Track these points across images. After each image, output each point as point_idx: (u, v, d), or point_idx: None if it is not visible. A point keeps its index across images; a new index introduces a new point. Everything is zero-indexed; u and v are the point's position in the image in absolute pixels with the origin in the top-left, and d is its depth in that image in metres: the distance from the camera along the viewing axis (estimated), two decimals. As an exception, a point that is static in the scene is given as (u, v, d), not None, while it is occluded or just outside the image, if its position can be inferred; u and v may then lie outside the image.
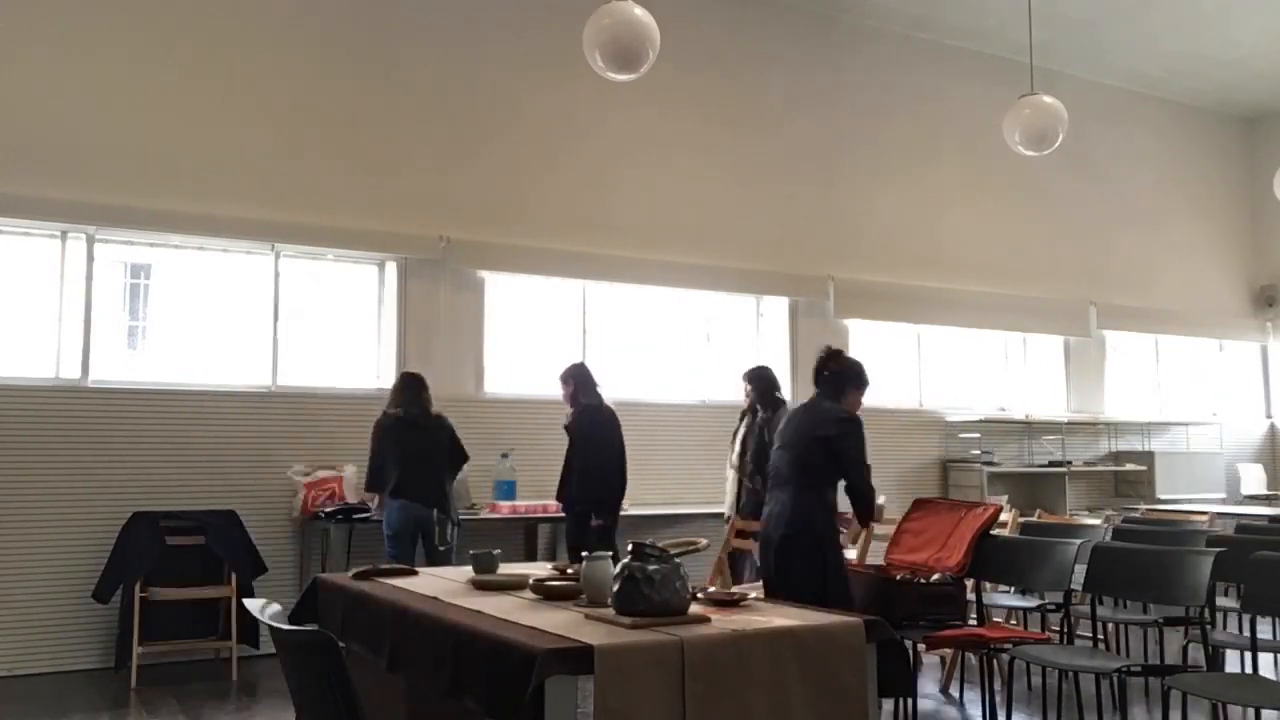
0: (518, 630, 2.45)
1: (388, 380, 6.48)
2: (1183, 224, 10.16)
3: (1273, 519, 6.65)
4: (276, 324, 6.25)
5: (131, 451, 5.74)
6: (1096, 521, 5.55)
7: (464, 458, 5.74)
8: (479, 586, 3.21)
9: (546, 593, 3.00)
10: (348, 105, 6.45)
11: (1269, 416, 10.43)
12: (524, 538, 6.65)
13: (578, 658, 2.24)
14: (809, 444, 4.18)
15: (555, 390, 6.92)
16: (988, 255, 8.89)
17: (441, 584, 3.30)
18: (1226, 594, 5.10)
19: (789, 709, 2.46)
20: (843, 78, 8.32)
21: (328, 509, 5.77)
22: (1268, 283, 10.43)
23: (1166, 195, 10.07)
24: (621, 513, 5.85)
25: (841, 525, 4.45)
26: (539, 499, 6.65)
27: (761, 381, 5.92)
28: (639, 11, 4.35)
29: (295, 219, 6.23)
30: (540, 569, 3.67)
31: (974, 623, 4.53)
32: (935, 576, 4.29)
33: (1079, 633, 4.60)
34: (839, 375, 4.27)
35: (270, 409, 6.08)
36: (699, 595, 2.96)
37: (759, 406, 5.87)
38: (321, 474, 6.01)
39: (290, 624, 2.28)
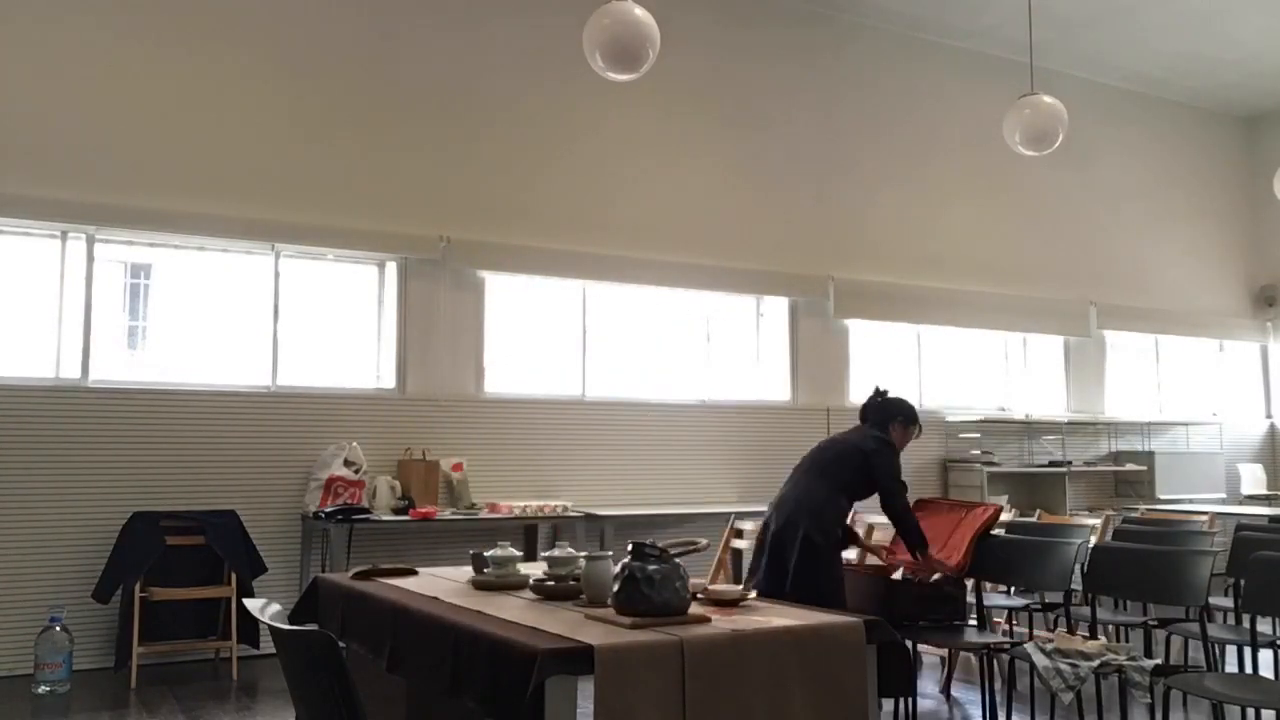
0: (518, 630, 2.44)
1: (388, 380, 6.50)
2: (1182, 224, 10.16)
3: (1273, 519, 6.64)
4: (276, 324, 6.25)
5: (131, 451, 5.74)
6: (1094, 521, 5.55)
7: None
8: (479, 586, 3.21)
9: (546, 593, 3.00)
10: (348, 105, 6.45)
11: (1269, 416, 10.43)
12: (524, 538, 6.65)
13: (578, 658, 2.24)
14: (845, 450, 4.32)
15: (555, 390, 6.97)
16: (988, 255, 8.89)
17: (441, 584, 3.30)
18: (1226, 593, 5.09)
19: (789, 709, 2.46)
20: (842, 78, 8.32)
21: (328, 509, 5.77)
22: (1268, 283, 10.43)
23: (1166, 195, 10.07)
24: (622, 512, 5.73)
25: (863, 548, 4.61)
26: (539, 499, 6.65)
27: None
28: (639, 11, 4.35)
29: (295, 219, 6.23)
30: (540, 569, 3.67)
31: (974, 623, 4.53)
32: (935, 576, 4.29)
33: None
34: (885, 407, 4.47)
35: (270, 409, 6.08)
36: (699, 595, 2.96)
37: None
38: (343, 473, 5.96)
39: (290, 624, 2.28)
